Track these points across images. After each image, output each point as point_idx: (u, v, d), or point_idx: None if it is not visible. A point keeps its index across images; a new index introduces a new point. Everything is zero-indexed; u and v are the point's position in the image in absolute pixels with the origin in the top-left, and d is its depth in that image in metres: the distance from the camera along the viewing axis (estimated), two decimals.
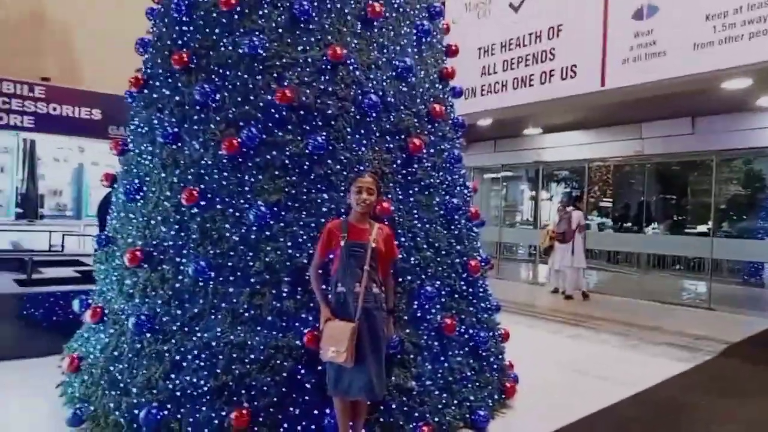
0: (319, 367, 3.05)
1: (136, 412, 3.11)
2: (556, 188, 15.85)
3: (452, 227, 3.93)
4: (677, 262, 11.85)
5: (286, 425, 3.02)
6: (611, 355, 5.78)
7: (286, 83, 3.44)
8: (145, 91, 3.87)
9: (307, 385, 3.09)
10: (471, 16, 8.62)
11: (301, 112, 3.44)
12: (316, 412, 3.06)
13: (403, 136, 3.72)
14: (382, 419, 3.21)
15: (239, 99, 3.47)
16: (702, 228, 11.50)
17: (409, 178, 3.74)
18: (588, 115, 9.31)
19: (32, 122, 9.25)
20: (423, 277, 3.61)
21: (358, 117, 3.55)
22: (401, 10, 3.96)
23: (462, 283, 3.92)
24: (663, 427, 3.75)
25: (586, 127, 10.34)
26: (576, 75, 7.00)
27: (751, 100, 7.60)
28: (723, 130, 8.53)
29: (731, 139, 8.49)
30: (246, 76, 3.49)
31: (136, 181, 3.70)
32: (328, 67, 3.53)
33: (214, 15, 3.64)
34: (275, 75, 3.47)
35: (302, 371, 3.09)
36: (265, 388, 3.04)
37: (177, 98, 3.62)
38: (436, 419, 3.37)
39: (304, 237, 3.29)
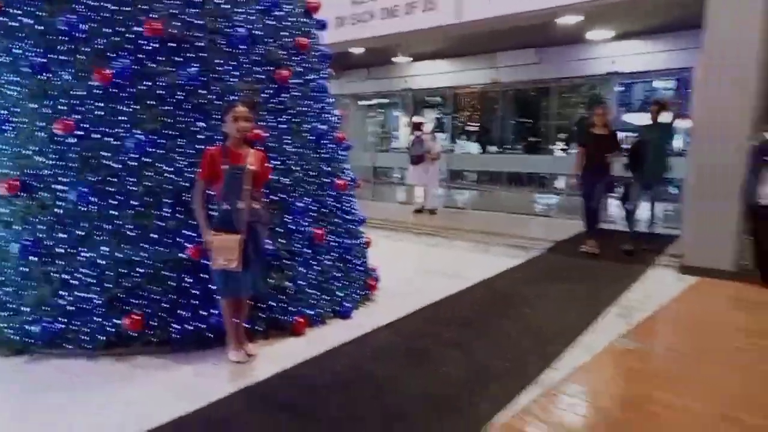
0: (203, 275, 3.51)
1: (27, 328, 3.38)
2: (427, 114, 16.76)
3: (320, 150, 4.43)
4: (532, 180, 13.39)
5: (177, 326, 3.48)
6: (462, 257, 6.80)
7: (154, 15, 3.61)
8: (4, 18, 3.78)
9: (194, 291, 3.54)
10: None
11: (171, 44, 3.65)
12: (202, 312, 3.55)
13: (271, 68, 4.07)
14: (263, 315, 3.78)
15: (107, 30, 3.59)
16: (554, 148, 13.04)
17: (280, 106, 4.14)
18: (451, 45, 10.03)
19: None
20: (295, 194, 4.12)
21: (228, 49, 3.84)
22: None
23: (330, 199, 4.48)
24: (491, 308, 4.72)
25: (449, 56, 11.10)
26: (435, 8, 7.57)
27: (583, 33, 8.72)
28: (561, 60, 9.69)
29: (568, 68, 9.69)
30: (113, 6, 3.60)
31: (3, 112, 3.72)
32: (196, 0, 3.74)
33: None
34: (143, 7, 3.62)
35: (188, 280, 3.53)
36: (154, 297, 3.45)
37: (40, 27, 3.63)
38: (310, 312, 4.01)
39: (183, 162, 3.62)
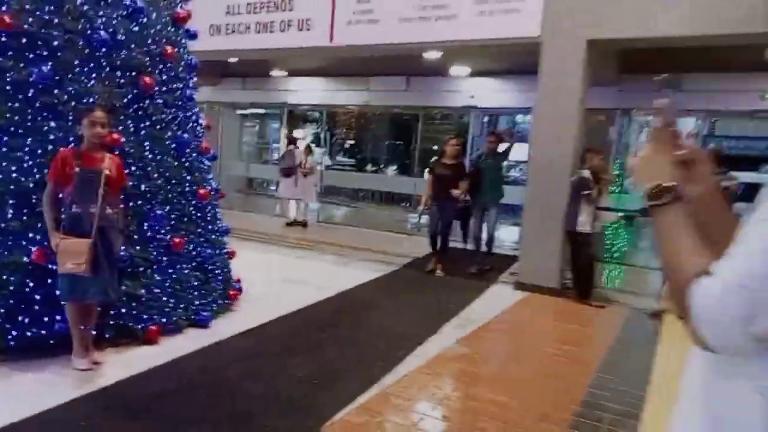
0: (49, 280, 3.40)
1: None
2: (305, 128, 16.95)
3: (183, 159, 4.46)
4: (402, 198, 14.05)
5: (15, 333, 3.33)
6: (326, 270, 7.07)
7: (4, 8, 3.47)
8: None
9: (36, 296, 3.41)
10: None
11: (24, 40, 3.53)
12: (45, 319, 3.42)
13: (134, 74, 4.06)
14: (112, 322, 3.72)
15: None
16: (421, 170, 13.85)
17: (141, 113, 4.12)
18: (327, 65, 10.37)
19: None
20: (154, 202, 4.11)
21: (86, 51, 3.77)
22: None
23: (192, 208, 4.51)
24: (345, 316, 5.02)
25: (326, 75, 11.45)
26: (310, 29, 7.85)
27: (446, 68, 9.53)
28: (427, 90, 10.47)
29: (433, 98, 10.49)
30: None
31: None
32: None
33: None
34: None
35: (30, 284, 3.39)
36: None
37: None
38: (164, 320, 4.01)
39: (30, 162, 3.49)
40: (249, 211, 11.62)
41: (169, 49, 4.36)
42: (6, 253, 3.35)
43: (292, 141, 10.22)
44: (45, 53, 3.58)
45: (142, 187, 4.03)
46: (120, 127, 3.88)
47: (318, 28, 7.81)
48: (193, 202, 4.53)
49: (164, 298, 4.06)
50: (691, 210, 0.93)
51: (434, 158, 7.23)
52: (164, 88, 4.33)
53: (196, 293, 4.38)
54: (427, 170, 7.13)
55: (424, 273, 7.01)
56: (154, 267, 4.02)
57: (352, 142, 16.60)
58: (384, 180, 14.31)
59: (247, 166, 14.77)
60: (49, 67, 3.55)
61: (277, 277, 6.31)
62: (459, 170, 6.86)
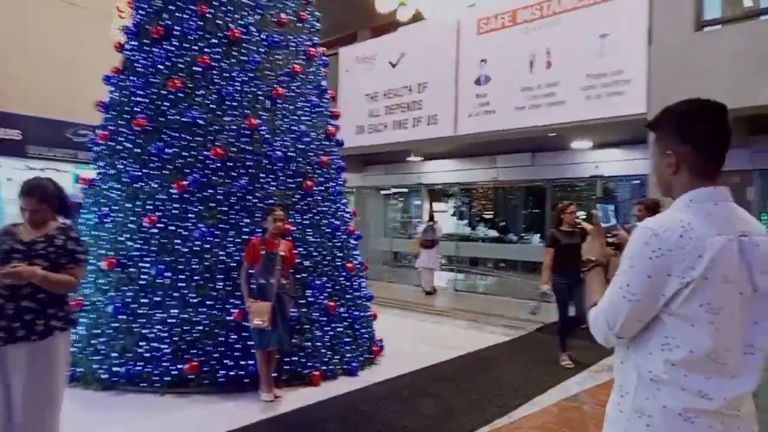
0: (244, 334, 4.68)
1: (115, 369, 4.57)
2: (441, 204, 18.18)
3: (335, 240, 5.70)
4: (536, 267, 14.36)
5: (223, 372, 4.62)
6: (458, 333, 7.82)
7: (217, 143, 5.06)
8: (111, 143, 5.28)
9: (237, 346, 4.70)
10: (361, 68, 10.55)
11: (229, 164, 5.08)
12: (242, 362, 4.69)
13: (300, 179, 5.45)
14: (287, 367, 4.89)
15: (184, 153, 5.04)
16: None
17: (305, 207, 5.47)
18: (456, 148, 11.54)
19: None
20: (314, 274, 5.34)
21: (269, 167, 5.24)
22: (297, 90, 5.70)
23: (342, 279, 5.69)
24: (471, 370, 5.73)
25: (456, 157, 12.61)
26: (437, 122, 9.11)
27: (568, 142, 10.13)
28: (553, 164, 11.07)
29: (558, 170, 11.05)
30: (189, 136, 5.07)
31: (105, 209, 5.11)
32: (247, 132, 5.19)
33: (164, 92, 5.18)
34: (210, 137, 5.08)
35: (233, 336, 4.71)
36: (208, 348, 4.63)
37: (137, 150, 5.10)
38: (324, 368, 5.10)
39: (232, 248, 4.91)
40: (392, 282, 12.82)
41: (324, 158, 5.75)
42: (217, 313, 4.72)
43: (430, 217, 11.40)
44: (242, 171, 5.10)
45: (306, 263, 5.29)
46: (290, 219, 5.23)
47: (443, 122, 9.04)
48: (344, 273, 5.71)
49: (323, 350, 5.18)
50: (605, 268, 1.71)
51: (551, 230, 6.38)
52: (320, 188, 5.68)
53: (347, 347, 5.45)
54: (546, 244, 6.41)
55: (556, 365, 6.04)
56: (315, 325, 5.19)
57: (485, 214, 17.39)
58: (519, 249, 14.77)
59: (391, 241, 16.20)
60: (245, 180, 5.04)
61: (413, 338, 7.22)
62: (583, 237, 6.55)
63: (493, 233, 15.87)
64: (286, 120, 5.50)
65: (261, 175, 5.18)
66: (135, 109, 5.21)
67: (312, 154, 5.66)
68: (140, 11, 5.45)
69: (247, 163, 5.14)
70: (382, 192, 16.08)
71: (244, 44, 5.35)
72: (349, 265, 5.77)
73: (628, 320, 1.43)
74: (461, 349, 6.58)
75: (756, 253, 1.43)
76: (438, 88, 9.15)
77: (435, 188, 15.11)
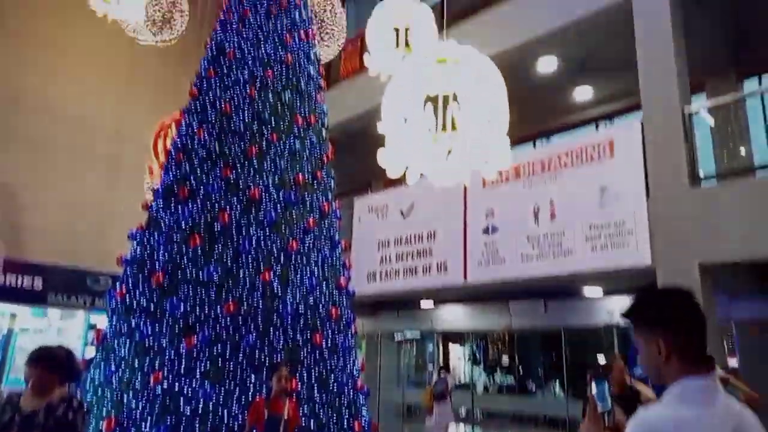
0: None
1: None
2: (455, 351, 17.68)
3: (342, 398, 5.53)
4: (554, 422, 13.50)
5: None
6: None
7: (230, 299, 5.16)
8: (126, 299, 5.41)
9: None
10: (372, 217, 10.99)
11: (239, 320, 5.13)
12: None
13: (309, 334, 5.45)
14: None
15: (197, 309, 5.12)
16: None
17: (312, 363, 5.40)
18: (468, 294, 11.56)
19: None
20: None
21: (278, 322, 5.28)
22: (311, 244, 5.93)
23: None
24: None
25: (468, 302, 12.58)
26: (447, 270, 9.23)
27: (580, 289, 10.13)
28: (566, 311, 10.96)
29: (572, 317, 10.90)
30: (203, 292, 5.19)
31: (113, 365, 5.09)
32: (259, 287, 5.32)
33: (184, 248, 5.41)
34: (223, 293, 5.20)
35: None
36: None
37: (152, 308, 5.21)
38: None
39: (236, 409, 4.78)
40: None
41: (333, 311, 5.79)
42: None
43: (443, 367, 11.07)
44: (252, 326, 5.13)
45: (311, 423, 5.09)
46: (297, 375, 5.14)
47: (454, 269, 9.16)
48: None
49: None
50: None
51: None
52: (329, 342, 5.65)
53: None
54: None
55: None
56: None
57: (501, 361, 16.83)
58: (539, 402, 14.04)
59: (404, 391, 15.55)
60: (253, 336, 5.05)
61: None
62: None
63: (510, 381, 15.23)
64: (298, 273, 5.64)
65: (270, 330, 5.20)
66: (155, 265, 5.42)
67: (322, 307, 5.72)
68: (169, 174, 5.90)
69: (258, 318, 5.18)
70: (395, 338, 15.81)
71: (262, 203, 5.70)
72: (357, 424, 5.53)
73: None
74: None
75: None
76: (447, 236, 9.42)
77: (448, 334, 14.85)
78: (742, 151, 9.18)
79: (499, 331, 13.71)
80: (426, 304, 13.26)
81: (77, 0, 7.89)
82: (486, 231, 8.89)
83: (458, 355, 15.93)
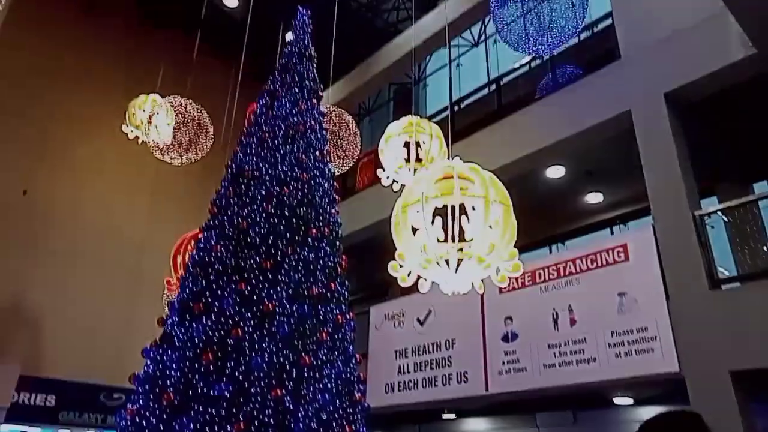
0: None
1: None
2: None
3: None
4: None
5: None
6: None
7: (241, 418, 5.04)
8: (137, 419, 5.31)
9: None
10: (389, 325, 10.86)
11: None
12: None
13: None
14: None
15: (207, 428, 5.00)
16: None
17: None
18: (491, 405, 11.05)
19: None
20: None
21: None
22: (324, 358, 5.85)
23: None
24: None
25: (492, 414, 11.98)
26: (468, 380, 8.93)
27: (610, 398, 9.65)
28: (596, 422, 10.36)
29: (603, 430, 10.28)
30: (214, 410, 5.08)
31: None
32: (271, 403, 5.20)
33: (196, 365, 5.38)
34: (234, 410, 5.09)
35: None
36: None
37: (161, 427, 5.09)
38: None
39: None
40: None
41: (347, 428, 5.58)
42: None
43: None
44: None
45: None
46: None
47: (474, 379, 8.86)
48: None
49: None
50: None
51: None
52: None
53: None
54: None
55: None
56: None
57: None
58: None
59: None
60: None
61: None
62: None
63: None
64: (311, 389, 5.53)
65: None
66: (167, 383, 5.37)
67: (336, 424, 5.53)
68: (186, 290, 6.02)
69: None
70: None
71: (275, 317, 5.73)
72: None
73: None
74: None
75: None
76: (466, 344, 9.22)
77: None
78: (766, 249, 9.11)
79: None
80: (448, 416, 12.66)
81: (107, 121, 8.56)
82: (505, 339, 8.71)
83: None
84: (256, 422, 5.05)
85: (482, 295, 9.17)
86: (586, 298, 8.09)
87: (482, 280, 5.03)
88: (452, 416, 12.58)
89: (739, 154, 9.60)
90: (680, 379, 6.75)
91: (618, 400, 9.87)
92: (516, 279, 8.81)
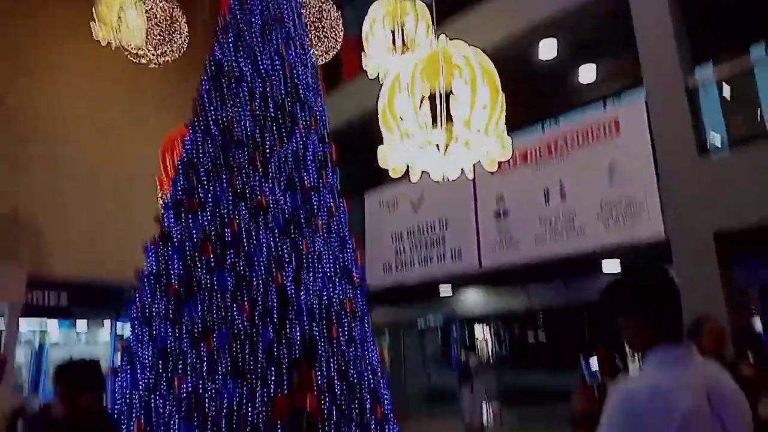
0: None
1: None
2: (478, 335, 17.77)
3: (362, 386, 5.66)
4: None
5: None
6: None
7: (245, 302, 5.33)
8: (146, 310, 5.61)
9: None
10: (384, 210, 11.11)
11: (256, 320, 5.30)
12: None
13: (325, 328, 5.60)
14: None
15: (214, 313, 5.30)
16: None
17: (330, 355, 5.55)
18: (486, 279, 11.64)
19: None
20: (342, 422, 5.28)
21: (294, 320, 5.43)
22: (321, 246, 6.06)
23: (373, 424, 5.57)
24: None
25: (487, 286, 12.65)
26: (462, 257, 9.32)
27: (600, 266, 10.13)
28: (586, 289, 10.97)
29: (593, 294, 10.91)
30: (219, 298, 5.37)
31: (138, 371, 5.31)
32: (274, 289, 5.48)
33: (196, 256, 5.59)
34: (238, 297, 5.37)
35: None
36: None
37: (171, 315, 5.40)
38: None
39: (259, 404, 4.95)
40: (433, 416, 12.26)
41: (348, 305, 5.93)
42: None
43: (467, 350, 11.22)
44: (269, 326, 5.29)
45: (334, 413, 5.25)
46: (316, 369, 5.30)
47: (468, 256, 9.24)
48: (373, 419, 5.60)
49: None
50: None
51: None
52: (346, 335, 5.79)
53: None
54: None
55: None
56: None
57: (525, 342, 16.87)
58: (559, 380, 14.07)
59: (429, 374, 15.74)
60: (271, 334, 5.22)
61: None
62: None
63: (533, 360, 15.30)
64: (311, 274, 5.79)
65: (287, 328, 5.36)
66: (170, 276, 5.60)
67: (336, 303, 5.86)
68: (178, 187, 6.08)
69: (273, 318, 5.34)
70: (417, 326, 15.97)
71: (270, 209, 5.84)
72: (379, 411, 5.68)
73: None
74: None
75: (727, 408, 1.53)
76: (460, 224, 9.50)
77: (470, 319, 14.95)
78: (758, 115, 9.06)
79: (520, 312, 13.79)
80: (445, 291, 13.37)
81: (83, 26, 8.09)
82: (498, 215, 8.95)
83: (481, 338, 16.04)
84: (260, 308, 5.35)
85: (474, 177, 9.30)
86: (577, 172, 8.20)
87: (473, 165, 5.09)
88: (449, 291, 13.30)
89: (737, 14, 9.21)
90: (665, 244, 7.05)
91: (606, 268, 10.37)
92: (507, 161, 8.86)
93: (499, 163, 8.15)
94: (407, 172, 4.59)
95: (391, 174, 4.29)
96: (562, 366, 14.40)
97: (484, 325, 16.00)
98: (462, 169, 4.52)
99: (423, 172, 4.33)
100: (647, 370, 1.60)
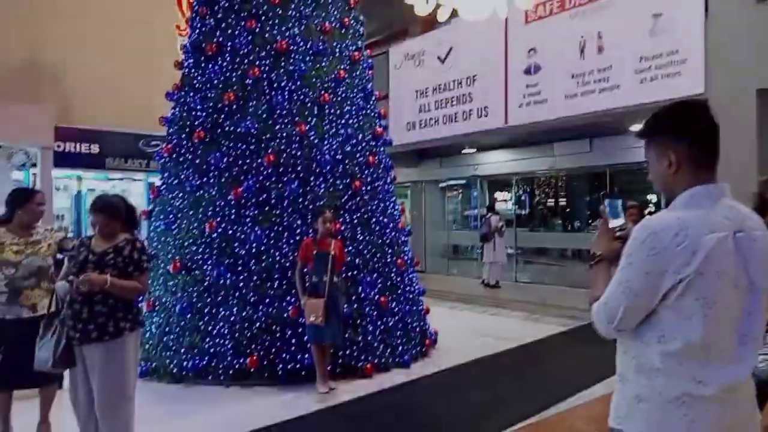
0: (300, 330, 4.95)
1: (184, 363, 4.96)
2: (501, 195, 17.96)
3: (384, 237, 5.88)
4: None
5: (281, 365, 4.92)
6: (515, 325, 7.82)
7: (270, 151, 5.35)
8: (174, 155, 5.69)
9: (293, 341, 4.99)
10: (409, 64, 10.65)
11: (281, 169, 5.36)
12: (298, 356, 4.97)
13: (348, 180, 5.66)
14: (341, 361, 5.14)
15: (239, 161, 5.37)
16: None
17: (353, 207, 5.68)
18: (511, 138, 11.43)
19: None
20: (365, 271, 5.55)
21: (318, 170, 5.48)
22: (344, 95, 5.91)
23: (393, 274, 5.86)
24: (526, 362, 5.76)
25: (511, 147, 12.46)
26: (488, 114, 9.08)
27: (626, 127, 9.81)
28: (611, 149, 10.73)
29: (618, 155, 10.70)
30: (243, 146, 5.39)
31: (171, 216, 5.54)
32: (297, 138, 5.46)
33: (219, 105, 5.53)
34: (263, 145, 5.38)
35: (289, 332, 4.99)
36: (267, 344, 4.94)
37: (197, 161, 5.48)
38: (376, 360, 5.31)
39: (286, 249, 5.20)
40: (451, 274, 12.88)
41: (371, 158, 5.93)
42: (274, 311, 5.03)
43: (489, 209, 11.38)
44: (293, 175, 5.36)
45: (357, 261, 5.50)
46: (340, 219, 5.46)
47: (494, 113, 9.00)
48: (394, 269, 5.88)
49: (376, 344, 5.38)
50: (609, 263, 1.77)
51: None
52: (368, 187, 5.86)
53: (399, 341, 5.63)
54: None
55: None
56: (367, 320, 5.40)
57: (546, 202, 17.05)
58: (584, 238, 14.40)
59: (449, 233, 16.23)
60: (296, 184, 5.30)
61: (468, 331, 7.31)
62: None
63: (555, 221, 15.58)
64: (333, 124, 5.72)
65: (311, 178, 5.43)
66: (194, 123, 5.60)
67: (359, 155, 5.86)
68: (195, 30, 5.83)
69: (298, 167, 5.40)
70: (439, 185, 16.11)
71: (291, 54, 5.62)
72: (400, 261, 5.93)
73: (626, 314, 1.52)
74: (516, 340, 6.62)
75: (752, 249, 1.49)
76: (487, 80, 9.12)
77: (492, 179, 14.99)
78: None
79: (543, 173, 13.73)
80: (468, 150, 13.26)
81: None
82: (528, 71, 8.54)
83: (503, 198, 16.22)
84: (284, 155, 5.38)
85: (506, 28, 8.71)
86: (617, 22, 7.60)
87: (506, 5, 4.71)
88: (472, 150, 13.17)
89: None
90: (703, 101, 6.71)
91: (634, 128, 10.05)
92: (543, 5, 8.22)
93: (535, 7, 7.58)
94: (436, 20, 4.26)
95: (417, 10, 3.99)
96: (582, 228, 14.69)
97: (508, 186, 16.09)
98: (495, 8, 4.19)
99: (453, 10, 4.02)
100: (676, 206, 1.55)
